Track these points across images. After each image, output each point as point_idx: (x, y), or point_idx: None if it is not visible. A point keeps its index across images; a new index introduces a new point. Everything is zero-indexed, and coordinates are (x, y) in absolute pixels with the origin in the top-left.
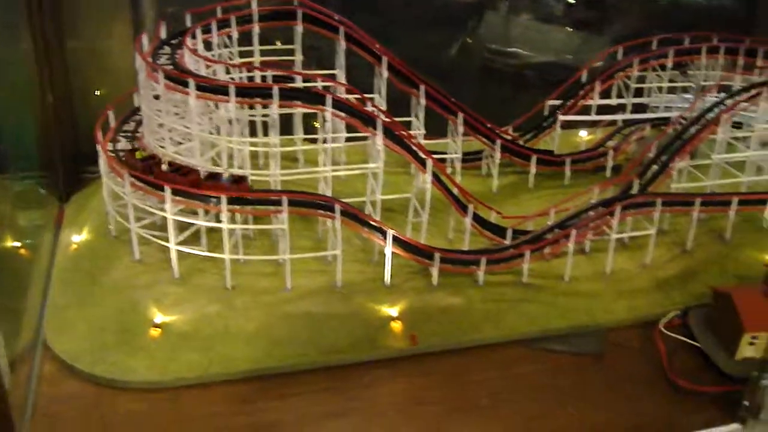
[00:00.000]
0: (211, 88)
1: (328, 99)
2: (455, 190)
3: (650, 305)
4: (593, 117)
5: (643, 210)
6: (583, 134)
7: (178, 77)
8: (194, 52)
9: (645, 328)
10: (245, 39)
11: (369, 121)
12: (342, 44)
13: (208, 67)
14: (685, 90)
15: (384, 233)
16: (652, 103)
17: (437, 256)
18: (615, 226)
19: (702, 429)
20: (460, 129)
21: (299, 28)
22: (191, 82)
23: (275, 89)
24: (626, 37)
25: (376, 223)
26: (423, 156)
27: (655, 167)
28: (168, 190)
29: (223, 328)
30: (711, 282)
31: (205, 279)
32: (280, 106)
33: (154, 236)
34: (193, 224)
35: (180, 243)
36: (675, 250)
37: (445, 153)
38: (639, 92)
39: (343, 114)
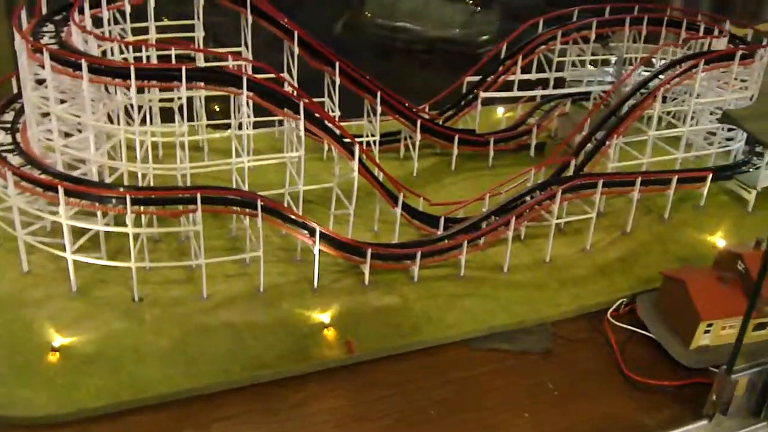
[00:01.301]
0: (108, 70)
1: (244, 80)
2: (381, 177)
3: (595, 293)
4: (515, 93)
5: (583, 193)
6: (501, 111)
7: (68, 58)
8: (83, 29)
9: (592, 319)
10: (140, 14)
11: (290, 104)
12: (249, 18)
13: (99, 46)
14: (605, 63)
15: (311, 230)
16: (572, 77)
17: (369, 252)
18: (555, 211)
19: (668, 429)
20: (378, 109)
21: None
22: (84, 63)
23: (183, 70)
24: (519, 10)
25: (301, 219)
26: (349, 141)
27: (589, 146)
28: (61, 190)
29: (132, 347)
30: (654, 265)
31: (108, 291)
32: (188, 89)
33: (45, 244)
34: (90, 229)
35: (77, 251)
36: (614, 233)
37: (361, 136)
38: (558, 66)
39: (260, 97)
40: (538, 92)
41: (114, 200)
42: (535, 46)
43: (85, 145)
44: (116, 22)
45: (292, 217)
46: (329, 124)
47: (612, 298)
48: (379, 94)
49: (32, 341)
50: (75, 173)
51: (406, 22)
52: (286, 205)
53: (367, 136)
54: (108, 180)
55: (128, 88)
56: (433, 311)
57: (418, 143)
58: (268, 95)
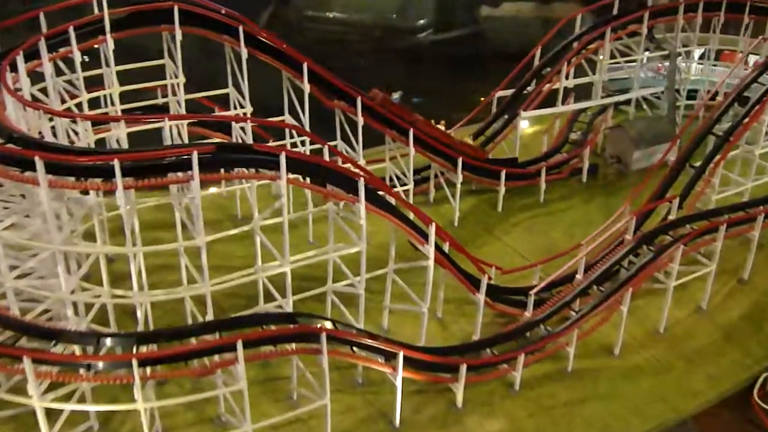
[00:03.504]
0: (79, 168)
1: (283, 159)
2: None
3: (730, 370)
4: (561, 108)
5: (701, 242)
6: (524, 125)
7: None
8: (21, 99)
9: (736, 405)
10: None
11: (349, 183)
12: (244, 52)
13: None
14: (649, 60)
15: (391, 356)
16: (611, 78)
17: (464, 368)
18: (675, 272)
19: None
20: (412, 152)
21: (178, 35)
22: (38, 161)
23: (196, 156)
24: None
25: (380, 345)
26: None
27: (676, 173)
28: (28, 362)
29: None
30: None
31: None
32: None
33: None
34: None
35: None
36: (728, 282)
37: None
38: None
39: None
40: (592, 103)
41: (112, 367)
42: (583, 47)
43: (46, 272)
44: (60, 73)
45: (368, 342)
46: (389, 198)
47: (751, 373)
48: (411, 132)
49: None
50: (34, 312)
51: (339, 12)
52: (329, 308)
53: (392, 178)
54: (85, 320)
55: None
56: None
57: (459, 186)
58: (315, 173)
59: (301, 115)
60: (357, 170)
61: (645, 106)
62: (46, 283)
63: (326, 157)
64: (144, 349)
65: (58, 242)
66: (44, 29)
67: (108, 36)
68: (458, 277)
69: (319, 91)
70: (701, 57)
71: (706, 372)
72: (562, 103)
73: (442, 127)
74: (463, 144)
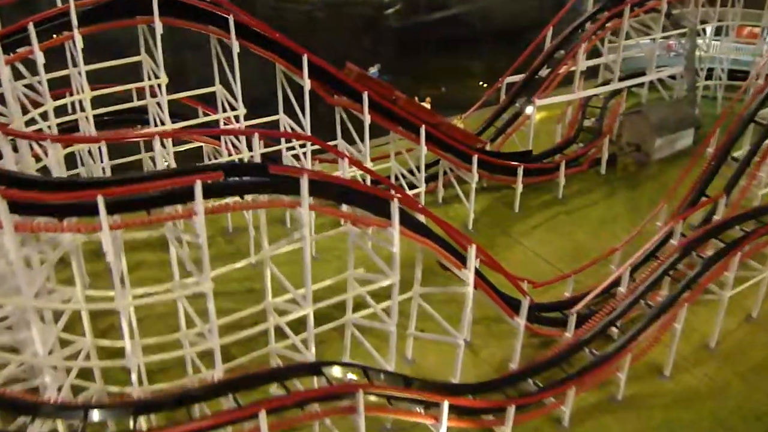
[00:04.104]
0: (50, 207)
1: (305, 183)
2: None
3: None
4: (580, 93)
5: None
6: (530, 110)
7: None
8: None
9: None
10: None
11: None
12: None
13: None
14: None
15: (435, 406)
16: (627, 60)
17: (513, 409)
18: (731, 281)
19: None
20: (423, 149)
21: (159, 27)
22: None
23: (216, 186)
24: None
25: (420, 395)
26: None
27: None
28: None
29: None
30: None
31: None
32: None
33: None
34: None
35: None
36: None
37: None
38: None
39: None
40: (610, 87)
41: None
42: (601, 26)
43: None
44: (19, 77)
45: (409, 395)
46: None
47: None
48: (423, 129)
49: None
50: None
51: None
52: (347, 342)
53: (397, 177)
54: (67, 380)
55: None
56: None
57: (474, 186)
58: (342, 197)
59: (299, 114)
60: (389, 190)
61: (660, 88)
62: (18, 338)
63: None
64: (143, 422)
65: (29, 297)
66: None
67: (75, 32)
68: (498, 302)
69: (320, 86)
70: (716, 33)
71: (765, 391)
72: (577, 88)
73: (427, 105)
74: (455, 130)
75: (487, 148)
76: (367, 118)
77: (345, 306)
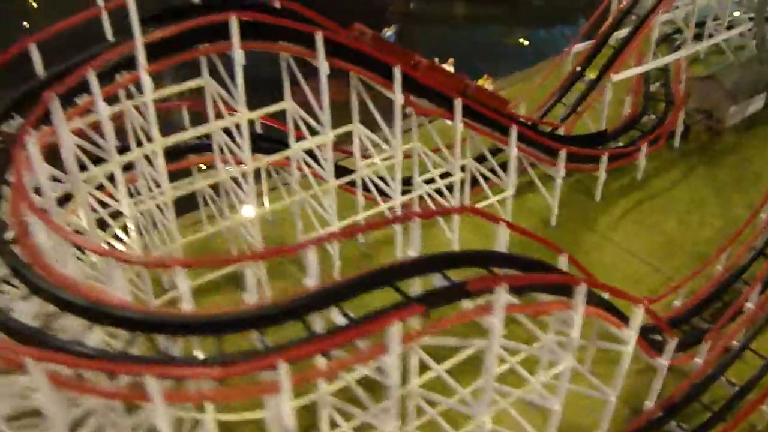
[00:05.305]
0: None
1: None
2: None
3: None
4: (657, 62)
5: None
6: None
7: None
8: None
9: None
10: None
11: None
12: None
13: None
14: None
15: None
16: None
17: None
18: None
19: None
20: (514, 151)
21: (240, 57)
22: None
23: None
24: None
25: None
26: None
27: None
28: None
29: None
30: None
31: None
32: None
33: None
34: None
35: None
36: None
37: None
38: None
39: None
40: (683, 53)
41: None
42: None
43: None
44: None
45: None
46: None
47: None
48: (514, 130)
49: None
50: None
51: None
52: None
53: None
54: None
55: None
56: None
57: (560, 181)
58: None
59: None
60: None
61: (724, 46)
62: None
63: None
64: None
65: None
66: (38, 67)
67: (144, 73)
68: (645, 347)
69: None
70: None
71: None
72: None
73: (450, 68)
74: (488, 95)
75: (560, 131)
76: (459, 125)
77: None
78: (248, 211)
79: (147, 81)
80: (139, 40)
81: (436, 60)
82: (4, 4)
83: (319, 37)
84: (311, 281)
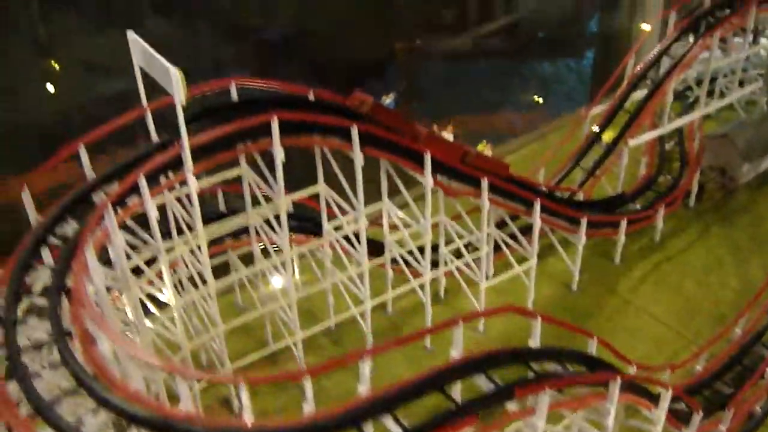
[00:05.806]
0: None
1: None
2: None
3: None
4: (673, 124)
5: None
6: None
7: None
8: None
9: None
10: None
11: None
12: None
13: None
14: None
15: None
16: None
17: None
18: None
19: None
20: (538, 222)
21: (280, 154)
22: None
23: None
24: None
25: None
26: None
27: None
28: None
29: None
30: None
31: None
32: None
33: None
34: None
35: None
36: None
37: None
38: None
39: None
40: (699, 113)
41: None
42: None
43: None
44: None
45: None
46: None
47: None
48: (538, 202)
49: None
50: None
51: None
52: None
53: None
54: None
55: None
56: None
57: (581, 248)
58: None
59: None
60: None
61: (736, 106)
62: None
63: None
64: None
65: None
66: (87, 170)
67: (189, 175)
68: (670, 419)
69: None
70: None
71: None
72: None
73: (450, 136)
74: (488, 161)
75: (579, 196)
76: (486, 203)
77: None
78: (289, 295)
79: (192, 182)
80: (186, 147)
81: (435, 127)
82: (28, 67)
83: (354, 132)
84: (363, 388)
